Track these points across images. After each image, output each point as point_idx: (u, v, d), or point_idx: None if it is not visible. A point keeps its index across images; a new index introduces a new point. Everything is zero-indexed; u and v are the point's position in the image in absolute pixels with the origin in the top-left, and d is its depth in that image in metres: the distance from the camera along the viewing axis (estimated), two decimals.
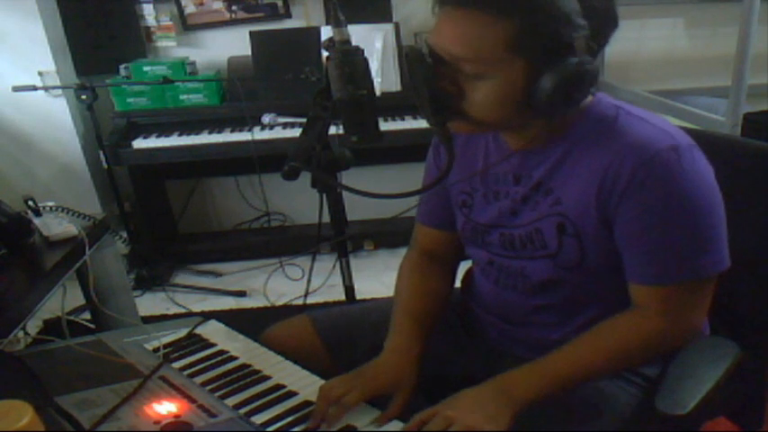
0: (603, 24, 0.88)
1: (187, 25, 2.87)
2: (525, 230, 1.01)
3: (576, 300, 1.03)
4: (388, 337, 1.07)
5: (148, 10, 2.82)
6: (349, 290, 1.46)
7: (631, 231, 0.91)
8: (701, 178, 0.89)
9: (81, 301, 1.69)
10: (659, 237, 0.90)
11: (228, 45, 2.84)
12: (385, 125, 2.61)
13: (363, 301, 1.40)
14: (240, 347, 1.13)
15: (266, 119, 2.66)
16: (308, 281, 1.35)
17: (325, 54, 1.10)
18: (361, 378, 0.98)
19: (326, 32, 2.58)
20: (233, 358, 1.10)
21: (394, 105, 2.70)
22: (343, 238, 1.38)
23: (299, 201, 3.10)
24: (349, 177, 1.27)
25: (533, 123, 0.93)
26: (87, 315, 1.82)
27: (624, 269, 0.95)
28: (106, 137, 2.60)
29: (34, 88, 2.39)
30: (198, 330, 1.19)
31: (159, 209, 3.11)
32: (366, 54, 1.08)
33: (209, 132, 2.68)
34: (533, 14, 0.81)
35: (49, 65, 2.63)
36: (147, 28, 2.86)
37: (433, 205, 1.18)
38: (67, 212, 1.54)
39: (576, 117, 0.96)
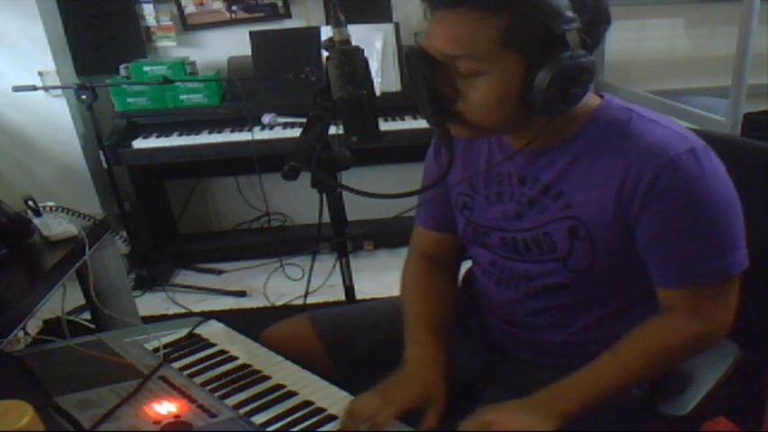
0: (595, 20, 0.88)
1: (187, 25, 2.87)
2: (531, 234, 1.01)
3: (579, 302, 1.03)
4: (408, 349, 1.04)
5: (148, 10, 2.82)
6: (349, 290, 1.46)
7: (656, 236, 0.91)
8: (720, 178, 0.90)
9: (81, 301, 1.69)
10: (685, 240, 0.90)
11: (228, 45, 2.84)
12: (385, 125, 2.61)
13: (363, 301, 1.40)
14: (240, 347, 1.13)
15: (266, 119, 2.66)
16: (308, 281, 1.35)
17: (325, 54, 1.10)
18: (391, 394, 0.95)
19: (326, 32, 2.58)
20: (233, 358, 1.10)
21: (394, 105, 2.69)
22: (342, 239, 1.38)
23: (299, 201, 3.10)
24: (349, 177, 1.27)
25: (533, 123, 0.93)
26: (87, 315, 1.82)
27: (650, 273, 0.95)
28: (106, 137, 2.60)
29: (34, 88, 2.39)
30: (198, 330, 1.19)
31: (159, 209, 3.10)
32: (366, 54, 1.07)
33: (209, 132, 2.68)
34: (523, 9, 0.81)
35: (49, 65, 2.63)
36: (147, 28, 2.86)
37: (432, 207, 1.17)
38: (67, 212, 1.53)
39: (585, 119, 0.95)
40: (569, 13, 0.82)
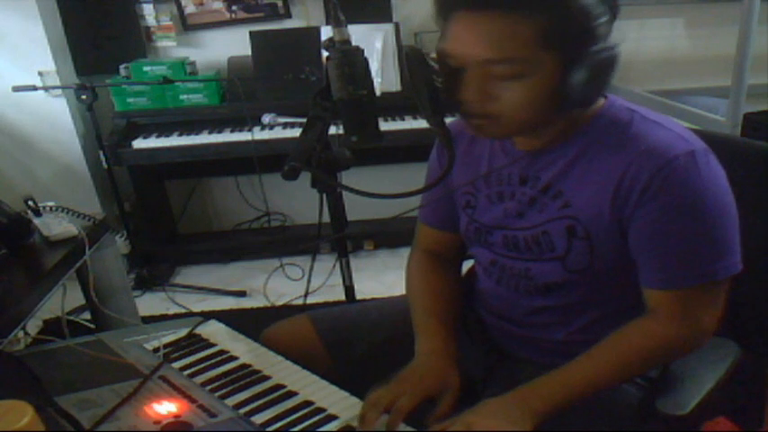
0: (614, 12, 0.88)
1: (187, 25, 2.87)
2: (531, 233, 1.01)
3: (579, 301, 1.03)
4: (419, 341, 1.05)
5: (148, 10, 2.82)
6: (349, 290, 1.46)
7: (648, 236, 0.91)
8: (717, 183, 0.89)
9: (81, 301, 1.69)
10: (676, 242, 0.90)
11: (228, 45, 2.85)
12: (385, 125, 2.61)
13: (363, 301, 1.40)
14: (240, 347, 1.13)
15: (266, 119, 2.66)
16: (308, 281, 1.35)
17: (325, 54, 1.10)
18: (407, 383, 0.96)
19: (326, 32, 2.58)
20: (233, 358, 1.10)
21: (394, 105, 2.69)
22: (341, 235, 1.38)
23: (299, 201, 3.10)
24: (349, 177, 1.27)
25: (555, 122, 0.93)
26: (87, 315, 1.82)
27: (638, 273, 0.95)
28: (106, 137, 2.61)
29: (34, 88, 2.39)
30: (198, 330, 1.19)
31: (159, 209, 3.11)
32: (366, 54, 1.07)
33: (209, 132, 2.68)
34: (558, 8, 0.82)
35: (49, 65, 2.63)
36: (147, 28, 2.86)
37: (436, 206, 1.18)
38: (67, 212, 1.53)
39: (588, 119, 0.95)
40: (600, 7, 0.83)
